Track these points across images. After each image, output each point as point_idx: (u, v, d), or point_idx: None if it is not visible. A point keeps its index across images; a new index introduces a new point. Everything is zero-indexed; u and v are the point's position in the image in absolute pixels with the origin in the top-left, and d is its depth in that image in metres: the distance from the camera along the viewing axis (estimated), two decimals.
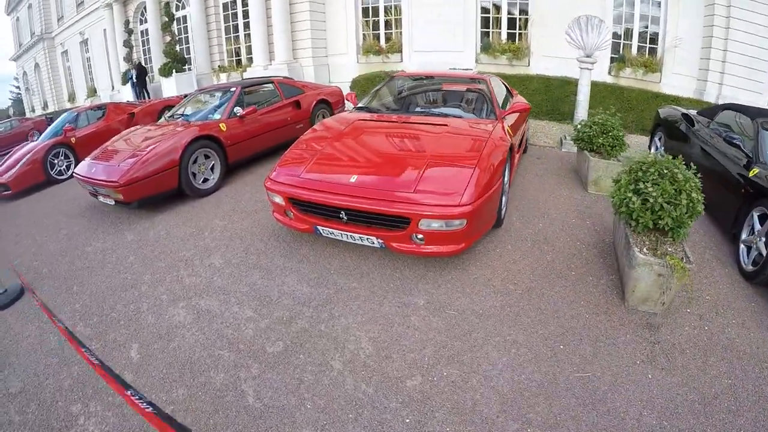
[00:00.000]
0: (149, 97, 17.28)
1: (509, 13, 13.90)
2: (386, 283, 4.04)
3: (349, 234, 3.85)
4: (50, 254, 5.67)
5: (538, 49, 13.54)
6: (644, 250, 3.51)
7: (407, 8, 14.82)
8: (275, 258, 4.70)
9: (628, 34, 13.22)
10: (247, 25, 16.98)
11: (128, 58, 18.77)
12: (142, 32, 20.33)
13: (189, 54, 18.37)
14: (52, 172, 9.36)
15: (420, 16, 14.56)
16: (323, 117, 9.40)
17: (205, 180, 6.86)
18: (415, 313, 3.62)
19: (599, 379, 2.96)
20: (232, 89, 7.80)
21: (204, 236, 5.45)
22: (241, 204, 6.35)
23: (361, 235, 3.78)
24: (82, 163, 6.69)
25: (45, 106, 30.95)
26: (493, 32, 14.19)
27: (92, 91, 24.92)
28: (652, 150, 7.86)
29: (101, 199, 6.37)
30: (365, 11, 15.77)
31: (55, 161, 9.43)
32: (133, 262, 5.08)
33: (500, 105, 5.63)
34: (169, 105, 11.89)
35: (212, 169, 6.95)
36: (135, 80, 17.34)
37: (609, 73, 13.13)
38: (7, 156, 9.89)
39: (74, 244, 5.83)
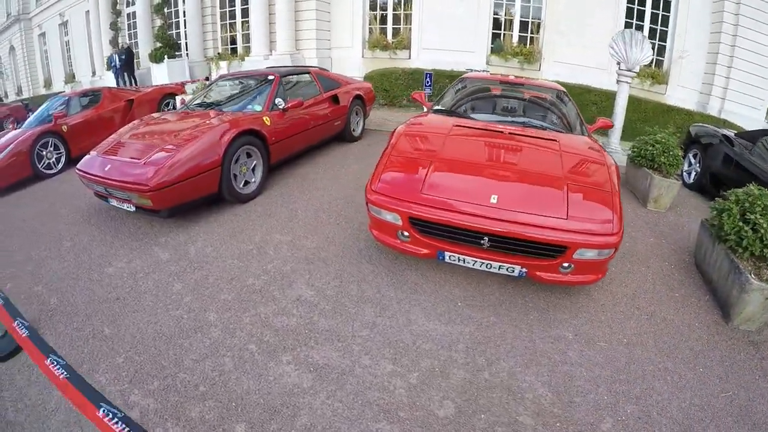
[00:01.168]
0: (136, 84, 15.57)
1: (522, 16, 13.32)
2: (524, 315, 3.46)
3: (485, 262, 3.27)
4: (56, 276, 4.28)
5: (551, 55, 13.00)
6: (753, 275, 3.46)
7: (418, 3, 13.82)
8: (382, 287, 3.69)
9: None
10: (245, 12, 15.64)
11: (114, 42, 16.91)
12: (128, 15, 18.48)
13: (179, 40, 16.64)
14: (40, 166, 7.77)
15: (431, 13, 13.65)
16: (356, 114, 8.32)
17: (246, 183, 5.56)
18: (570, 347, 3.17)
19: (739, 396, 2.91)
20: (270, 77, 6.48)
21: (269, 256, 4.22)
22: (298, 214, 5.12)
23: (501, 264, 3.24)
24: (89, 157, 5.27)
25: (19, 91, 28.34)
26: (505, 34, 13.51)
27: (71, 77, 22.76)
28: (685, 166, 7.50)
29: (114, 203, 5.00)
30: (373, 4, 14.71)
31: (44, 152, 7.84)
32: (182, 293, 3.77)
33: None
34: (170, 93, 10.41)
35: (253, 170, 5.60)
36: (119, 66, 15.51)
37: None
38: None
39: (87, 263, 4.46)
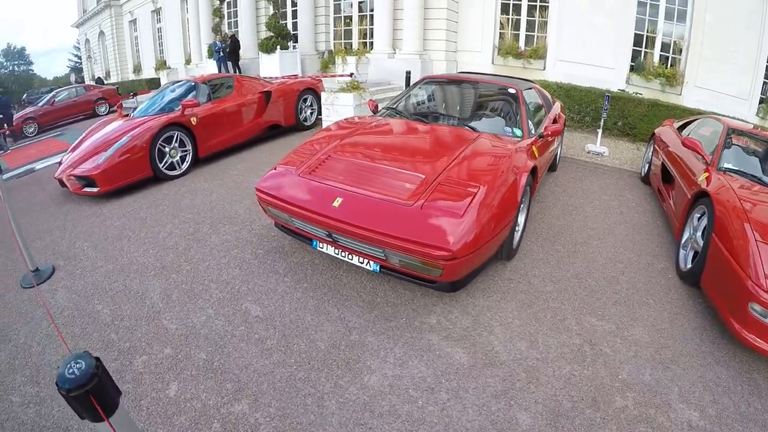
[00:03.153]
0: (240, 74, 13.85)
1: (664, 34, 11.42)
2: None
3: None
4: (281, 389, 2.37)
5: (693, 79, 11.07)
6: None
7: (556, 11, 12.06)
8: (750, 400, 2.50)
9: None
10: (361, 7, 13.80)
11: (217, 29, 15.17)
12: (228, 3, 16.74)
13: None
14: (161, 165, 5.82)
15: (571, 23, 11.88)
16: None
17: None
18: None
19: None
20: (511, 91, 4.60)
21: (610, 358, 2.75)
22: (590, 285, 3.50)
23: None
24: (283, 177, 3.39)
25: (107, 75, 27.37)
26: (646, 53, 11.62)
27: (162, 64, 21.39)
28: None
29: (330, 251, 3.06)
30: (505, 7, 12.75)
31: (166, 149, 5.90)
32: None
33: None
34: (309, 87, 8.38)
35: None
36: (223, 54, 13.80)
37: (757, 114, 10.80)
38: (84, 137, 6.47)
39: (320, 361, 2.57)
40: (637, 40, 11.51)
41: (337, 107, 7.67)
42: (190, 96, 6.64)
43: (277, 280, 3.33)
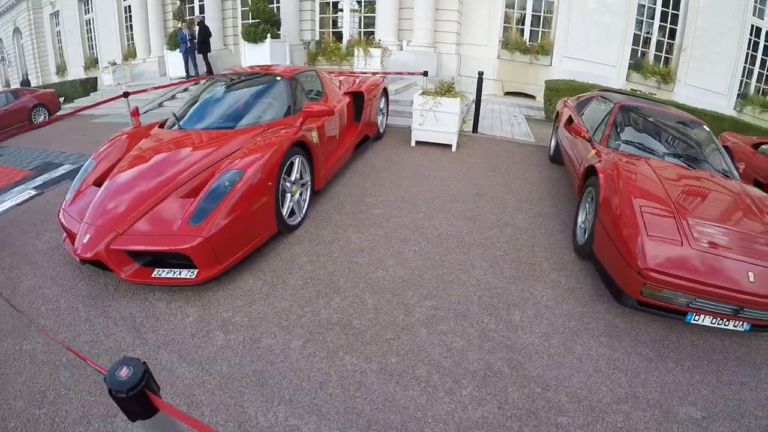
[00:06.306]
0: (210, 71, 10.91)
1: (659, 35, 11.34)
2: None
3: None
4: None
5: (684, 77, 11.12)
6: None
7: (566, 8, 11.16)
8: None
9: (749, 73, 11.38)
10: None
11: (179, 15, 11.71)
12: None
13: None
14: (285, 212, 3.30)
15: (578, 19, 11.16)
16: None
17: None
18: None
19: None
20: (705, 127, 4.34)
21: None
22: None
23: None
24: None
25: (25, 78, 21.69)
26: (643, 51, 11.47)
27: (93, 62, 17.06)
28: None
29: (725, 324, 2.56)
30: (509, 2, 11.72)
31: (287, 185, 3.36)
32: None
33: None
34: (384, 88, 5.98)
35: None
36: (191, 45, 10.71)
37: (734, 108, 11.09)
38: (96, 166, 3.55)
39: None
40: (637, 41, 11.34)
41: (440, 114, 5.43)
42: (276, 95, 4.04)
43: (677, 369, 2.31)
